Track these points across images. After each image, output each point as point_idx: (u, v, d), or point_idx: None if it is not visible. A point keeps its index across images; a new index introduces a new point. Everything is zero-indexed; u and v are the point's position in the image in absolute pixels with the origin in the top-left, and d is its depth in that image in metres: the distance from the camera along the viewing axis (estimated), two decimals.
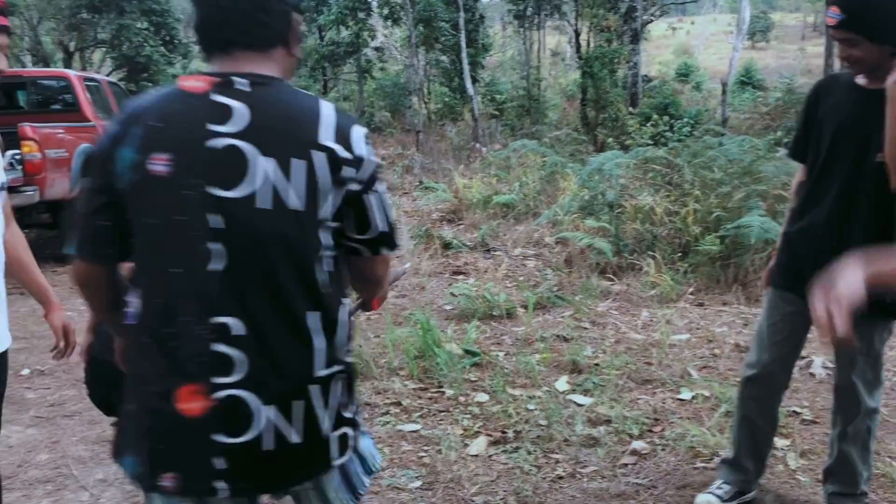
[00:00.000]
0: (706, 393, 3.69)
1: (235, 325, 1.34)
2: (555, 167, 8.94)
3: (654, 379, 3.91)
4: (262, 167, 1.31)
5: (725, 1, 63.58)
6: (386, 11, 21.73)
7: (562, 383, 3.84)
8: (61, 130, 7.43)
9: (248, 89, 1.35)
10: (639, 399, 3.68)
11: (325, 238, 1.38)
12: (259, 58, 1.40)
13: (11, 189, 6.55)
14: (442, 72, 23.24)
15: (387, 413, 3.56)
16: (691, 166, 6.67)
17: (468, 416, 3.50)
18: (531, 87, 21.68)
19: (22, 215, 7.06)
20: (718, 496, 2.67)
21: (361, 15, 22.30)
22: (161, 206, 1.33)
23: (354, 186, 1.37)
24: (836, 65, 20.65)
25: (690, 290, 5.50)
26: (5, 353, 2.10)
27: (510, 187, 9.28)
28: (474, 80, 19.36)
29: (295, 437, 1.39)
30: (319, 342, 1.40)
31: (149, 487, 1.38)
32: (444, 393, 3.76)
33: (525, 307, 5.17)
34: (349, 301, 1.49)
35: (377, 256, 1.49)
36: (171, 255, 1.34)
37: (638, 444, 3.16)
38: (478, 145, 15.11)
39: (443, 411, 3.57)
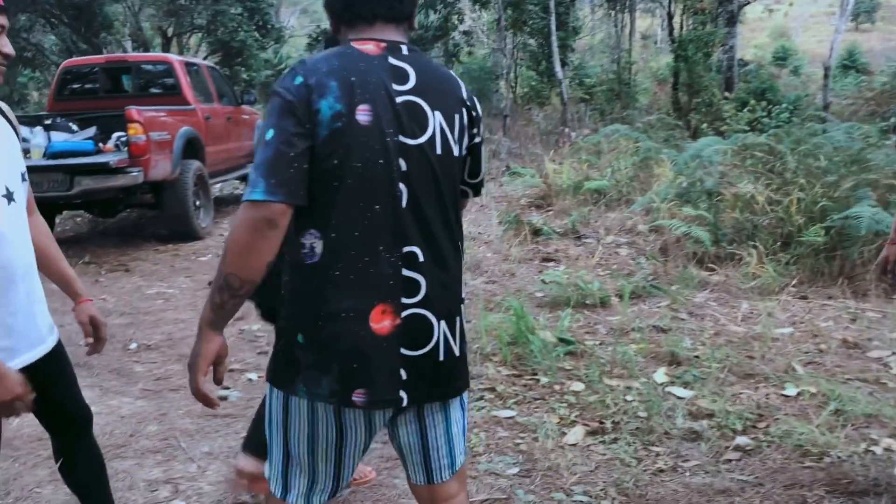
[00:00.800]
0: (812, 389, 3.54)
1: (420, 252, 1.58)
2: (648, 153, 8.73)
3: (757, 373, 3.78)
4: (436, 119, 1.59)
5: None
6: None
7: (660, 375, 3.75)
8: (164, 113, 7.69)
9: (408, 53, 1.61)
10: (741, 393, 3.56)
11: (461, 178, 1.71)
12: (396, 29, 1.64)
13: (118, 170, 6.83)
14: (529, 55, 23.00)
15: (481, 398, 3.56)
16: (794, 154, 6.40)
17: (564, 404, 3.46)
18: (621, 70, 21.25)
19: (126, 195, 7.36)
20: None
21: None
22: (366, 150, 1.52)
23: (476, 138, 1.72)
24: None
25: (793, 282, 5.29)
26: (56, 350, 1.98)
27: (601, 173, 9.12)
28: (563, 64, 19.07)
29: (457, 350, 1.66)
30: (462, 268, 1.70)
31: (343, 401, 1.55)
32: (538, 380, 3.73)
33: (619, 296, 5.08)
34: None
35: (467, 199, 1.82)
36: (373, 194, 1.53)
37: (742, 440, 3.07)
38: (567, 130, 14.91)
39: (538, 399, 3.54)
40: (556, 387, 3.66)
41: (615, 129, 9.97)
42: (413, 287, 1.58)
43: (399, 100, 1.55)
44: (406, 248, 1.56)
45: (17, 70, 21.00)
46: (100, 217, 8.30)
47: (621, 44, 22.11)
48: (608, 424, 3.24)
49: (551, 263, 6.35)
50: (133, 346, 4.51)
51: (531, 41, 22.82)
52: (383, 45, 1.59)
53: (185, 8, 22.23)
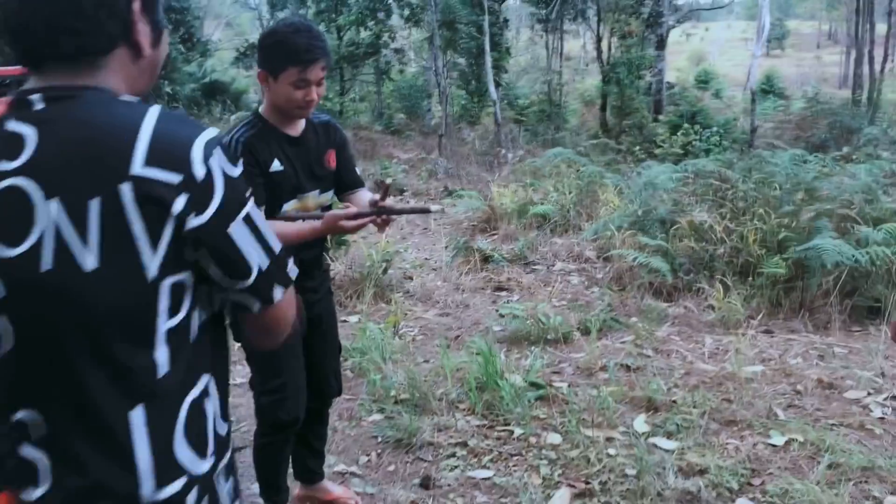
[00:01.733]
0: (800, 438, 3.36)
1: (35, 422, 1.07)
2: (592, 177, 8.61)
3: (739, 420, 3.58)
4: (49, 213, 1.01)
5: (742, 7, 63.21)
6: (407, 13, 21.46)
7: (640, 423, 3.51)
8: None
9: (41, 107, 1.05)
10: (727, 444, 3.35)
11: (164, 301, 1.06)
12: (84, 69, 1.08)
13: None
14: (459, 74, 22.94)
15: (453, 455, 3.24)
16: (746, 182, 6.34)
17: (544, 461, 3.17)
18: (552, 92, 21.36)
19: None
20: None
21: (381, 16, 22.03)
22: None
23: (198, 220, 1.04)
24: (866, 72, 20.27)
25: (755, 314, 5.17)
26: None
27: (545, 197, 8.96)
28: (497, 85, 19.03)
29: None
30: (144, 449, 1.08)
31: None
32: (512, 432, 3.44)
33: (581, 330, 4.86)
34: (207, 382, 1.16)
35: (272, 306, 1.16)
36: None
37: (742, 502, 2.84)
38: (503, 151, 14.79)
39: (515, 455, 3.25)
40: (532, 439, 3.38)
41: (559, 153, 9.83)
42: (30, 473, 1.08)
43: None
44: (17, 416, 1.07)
45: None
46: None
47: (552, 65, 22.25)
48: (595, 485, 2.97)
49: (504, 293, 6.10)
50: None
51: (461, 60, 22.78)
52: (13, 100, 1.08)
53: None
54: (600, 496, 2.90)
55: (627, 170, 10.17)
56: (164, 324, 1.07)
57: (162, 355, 1.07)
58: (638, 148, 13.77)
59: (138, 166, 1.00)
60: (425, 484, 3.00)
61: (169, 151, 1.03)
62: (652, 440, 3.36)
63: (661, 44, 19.17)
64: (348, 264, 6.18)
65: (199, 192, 1.03)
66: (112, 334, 1.04)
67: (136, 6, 1.10)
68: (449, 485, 2.99)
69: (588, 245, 7.22)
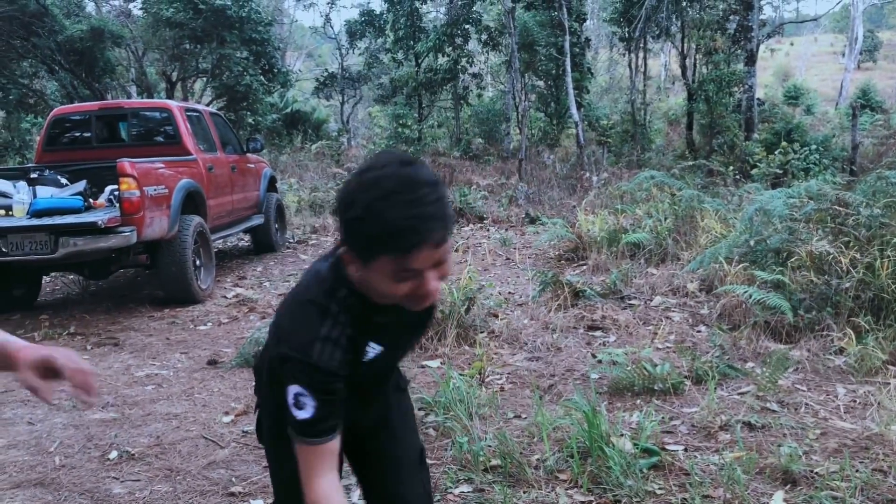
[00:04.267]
0: None
1: None
2: (689, 202, 7.99)
3: None
4: None
5: (829, 20, 60.82)
6: (485, 37, 21.19)
7: (778, 501, 2.95)
8: (161, 165, 6.98)
9: None
10: None
11: None
12: None
13: (108, 230, 6.09)
14: (538, 97, 22.51)
15: None
16: (871, 206, 5.65)
17: None
18: (636, 112, 20.66)
19: (118, 256, 6.62)
20: None
21: (459, 41, 21.83)
22: None
23: None
24: None
25: (894, 360, 4.50)
26: None
27: (637, 223, 8.38)
28: (579, 106, 18.49)
29: None
30: None
31: None
32: None
33: (692, 379, 4.30)
34: None
35: None
36: None
37: None
38: (587, 174, 14.23)
39: None
40: None
41: (649, 175, 9.24)
42: None
43: None
44: None
45: (18, 116, 20.52)
46: (90, 279, 7.54)
47: (636, 84, 21.55)
48: None
49: (599, 332, 5.57)
50: (113, 455, 3.70)
51: (539, 83, 22.36)
52: None
53: (190, 52, 21.84)
54: None
55: (727, 193, 9.48)
56: None
57: None
58: (731, 168, 13.00)
59: None
60: None
61: None
62: None
63: (750, 59, 18.26)
64: None
65: None
66: None
67: None
68: None
69: (689, 277, 6.62)
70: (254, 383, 1.92)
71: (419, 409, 4.01)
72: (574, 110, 16.89)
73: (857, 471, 3.16)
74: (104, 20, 19.61)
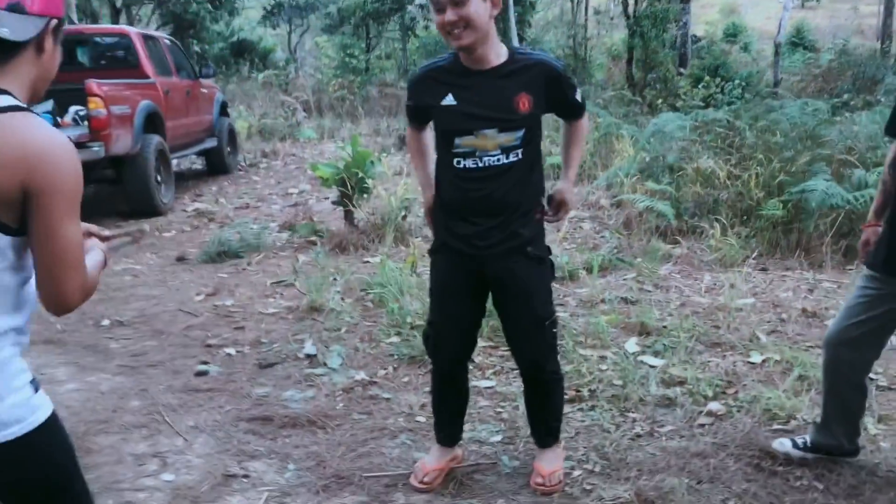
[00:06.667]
0: (777, 357, 3.70)
1: None
2: (608, 129, 8.86)
3: (723, 342, 3.93)
4: None
5: None
6: None
7: (631, 345, 3.88)
8: (124, 87, 7.55)
9: None
10: (710, 361, 3.71)
11: None
12: None
13: (78, 145, 6.70)
14: None
15: None
16: (753, 130, 6.58)
17: None
18: (577, 46, 21.37)
19: (86, 171, 7.22)
20: (795, 442, 2.75)
21: None
22: None
23: None
24: (895, 25, 20.03)
25: (753, 254, 5.47)
26: (49, 422, 1.38)
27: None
28: (521, 39, 19.12)
29: None
30: None
31: None
32: None
33: (587, 269, 5.20)
34: None
35: None
36: None
37: (714, 406, 3.20)
38: None
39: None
40: None
41: None
42: None
43: None
44: None
45: None
46: None
47: (577, 19, 22.20)
48: (585, 393, 3.35)
49: None
50: (105, 322, 4.48)
51: None
52: None
53: None
54: (588, 401, 3.28)
55: (645, 122, 10.38)
56: None
57: None
58: (661, 101, 13.89)
59: None
60: None
61: None
62: (641, 358, 3.72)
63: None
64: (371, 210, 6.56)
65: None
66: None
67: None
68: None
69: (602, 193, 7.52)
70: None
71: (360, 290, 4.85)
72: (516, 44, 17.53)
73: (697, 326, 4.11)
74: None
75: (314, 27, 30.97)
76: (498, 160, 2.41)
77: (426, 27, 25.15)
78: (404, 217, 6.37)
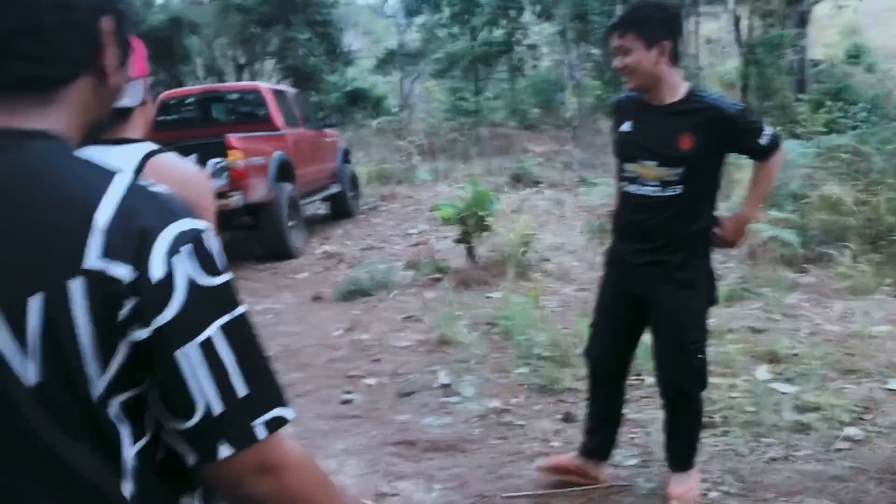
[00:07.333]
0: None
1: None
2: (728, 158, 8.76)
3: (858, 369, 3.88)
4: None
5: None
6: (539, 9, 21.88)
7: (762, 372, 3.89)
8: (258, 139, 8.13)
9: None
10: (844, 388, 3.67)
11: (121, 423, 0.83)
12: (31, 105, 0.84)
13: (220, 195, 7.27)
14: (594, 66, 23.09)
15: None
16: (882, 153, 6.42)
17: None
18: (690, 77, 21.14)
19: (227, 219, 7.80)
20: None
21: (513, 14, 22.58)
22: None
23: (140, 333, 0.79)
24: None
25: (887, 281, 5.33)
26: None
27: None
28: None
29: None
30: None
31: None
32: (643, 380, 3.90)
33: None
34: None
35: (210, 464, 0.84)
36: None
37: (851, 431, 3.19)
38: None
39: (645, 397, 3.71)
40: None
41: None
42: None
43: None
44: None
45: None
46: None
47: (686, 50, 21.98)
48: (717, 419, 3.40)
49: None
50: None
51: (595, 51, 22.92)
52: None
53: (257, 36, 23.09)
54: (721, 427, 3.33)
55: None
56: (129, 449, 0.83)
57: (128, 487, 0.83)
58: (780, 129, 13.57)
59: (94, 257, 0.78)
60: (567, 418, 3.54)
61: (126, 238, 0.79)
62: (773, 385, 3.73)
63: (802, 20, 18.62)
64: (491, 247, 6.77)
65: (150, 299, 0.79)
66: (67, 465, 0.80)
67: (108, 24, 0.88)
68: None
69: None
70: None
71: (486, 323, 5.05)
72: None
73: (829, 353, 4.07)
74: (182, 10, 20.95)
75: (424, 73, 31.91)
76: (655, 191, 2.61)
77: (534, 66, 25.50)
78: (524, 253, 6.54)
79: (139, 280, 0.78)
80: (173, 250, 0.80)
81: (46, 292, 0.76)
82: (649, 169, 2.60)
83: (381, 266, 6.90)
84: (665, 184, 2.59)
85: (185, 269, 0.80)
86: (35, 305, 0.76)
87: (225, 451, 0.82)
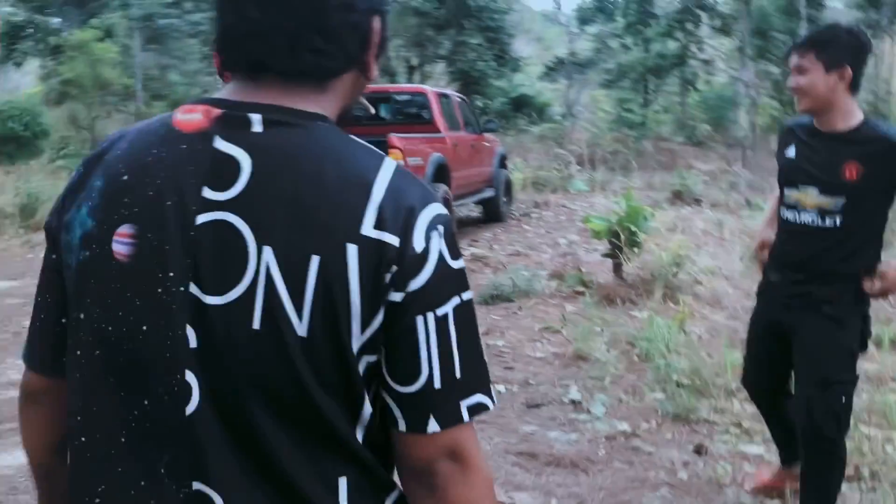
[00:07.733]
0: None
1: (219, 499, 0.88)
2: None
3: None
4: (263, 260, 0.85)
5: None
6: (718, 23, 21.09)
7: None
8: (418, 140, 8.35)
9: (259, 129, 0.89)
10: None
11: (365, 388, 0.90)
12: (310, 91, 0.93)
13: None
14: (772, 85, 21.97)
15: (727, 432, 3.59)
16: None
17: None
18: (879, 102, 19.66)
19: None
20: None
21: (690, 27, 21.89)
22: (121, 305, 0.88)
23: (397, 295, 0.87)
24: None
25: None
26: None
27: None
28: None
29: None
30: None
31: None
32: None
33: (877, 343, 4.83)
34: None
35: (415, 435, 0.89)
36: (138, 383, 0.89)
37: None
38: None
39: None
40: None
41: None
42: None
43: (202, 219, 0.87)
44: (195, 486, 0.87)
45: None
46: None
47: (879, 73, 20.45)
48: (865, 472, 3.15)
49: None
50: None
51: (774, 69, 21.81)
52: (221, 112, 0.91)
53: (431, 39, 23.70)
54: (869, 481, 3.08)
55: None
56: (367, 408, 0.90)
57: (360, 433, 0.91)
58: None
59: (369, 226, 0.86)
60: (698, 450, 3.40)
61: (396, 213, 0.87)
62: None
63: None
64: (640, 265, 6.60)
65: (408, 267, 0.86)
66: (316, 415, 0.87)
67: (377, 24, 0.96)
68: (720, 454, 3.35)
69: None
70: None
71: (626, 343, 4.93)
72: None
73: None
74: None
75: (591, 82, 31.56)
76: (813, 220, 2.50)
77: (707, 82, 24.61)
78: (675, 273, 6.33)
79: (403, 249, 0.86)
80: (432, 227, 0.88)
81: (326, 254, 0.84)
82: (809, 196, 2.50)
83: (525, 273, 6.90)
84: (824, 213, 2.47)
85: (438, 246, 0.88)
86: (314, 265, 0.84)
87: (433, 425, 0.88)
